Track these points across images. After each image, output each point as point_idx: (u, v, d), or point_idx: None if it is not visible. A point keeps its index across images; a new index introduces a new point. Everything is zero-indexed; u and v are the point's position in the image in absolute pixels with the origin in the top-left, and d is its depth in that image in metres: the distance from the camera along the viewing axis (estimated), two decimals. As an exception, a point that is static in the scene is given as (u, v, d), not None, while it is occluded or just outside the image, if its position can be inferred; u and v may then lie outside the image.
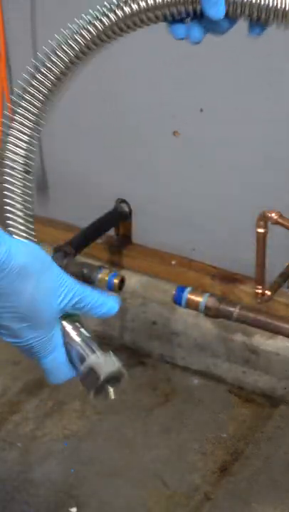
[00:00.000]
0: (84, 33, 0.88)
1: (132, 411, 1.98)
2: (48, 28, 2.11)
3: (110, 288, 1.98)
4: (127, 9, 0.87)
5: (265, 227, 1.76)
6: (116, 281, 1.97)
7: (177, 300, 1.87)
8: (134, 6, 0.87)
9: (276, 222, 1.74)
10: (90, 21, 0.87)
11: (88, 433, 1.92)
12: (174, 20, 0.90)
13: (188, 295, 1.82)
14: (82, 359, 0.88)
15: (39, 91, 0.88)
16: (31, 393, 2.03)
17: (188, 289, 1.83)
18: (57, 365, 0.89)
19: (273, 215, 1.74)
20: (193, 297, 1.82)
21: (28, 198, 0.87)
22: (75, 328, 0.91)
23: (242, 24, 1.93)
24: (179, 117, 1.97)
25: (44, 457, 1.85)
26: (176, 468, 1.82)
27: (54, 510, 1.73)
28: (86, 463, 1.83)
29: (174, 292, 1.88)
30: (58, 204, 2.34)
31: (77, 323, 0.91)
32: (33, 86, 0.88)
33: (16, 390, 2.05)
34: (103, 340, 2.21)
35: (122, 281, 1.98)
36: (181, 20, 0.90)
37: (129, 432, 1.92)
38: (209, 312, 1.82)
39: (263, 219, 1.75)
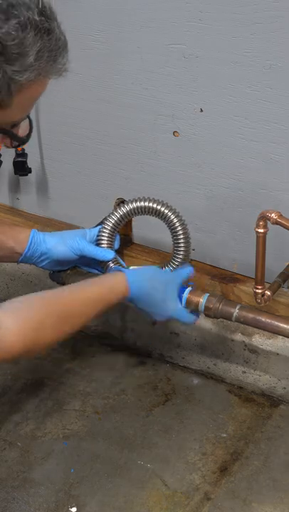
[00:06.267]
0: None
1: (132, 411, 1.98)
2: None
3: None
4: None
5: (265, 227, 1.76)
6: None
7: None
8: None
9: (276, 222, 1.74)
10: None
11: (88, 433, 1.92)
12: None
13: (188, 295, 1.82)
14: None
15: None
16: (31, 393, 2.03)
17: (189, 289, 1.83)
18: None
19: (273, 215, 1.74)
20: (193, 297, 1.82)
21: None
22: None
23: (243, 25, 1.93)
24: (179, 117, 1.97)
25: (44, 457, 1.85)
26: (176, 468, 1.82)
27: (54, 510, 1.73)
28: (86, 463, 1.83)
29: (174, 292, 1.88)
30: (57, 204, 2.34)
31: None
32: None
33: (16, 390, 2.05)
34: (103, 340, 2.21)
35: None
36: None
37: (129, 431, 1.92)
38: (209, 312, 1.82)
39: (263, 219, 1.75)
